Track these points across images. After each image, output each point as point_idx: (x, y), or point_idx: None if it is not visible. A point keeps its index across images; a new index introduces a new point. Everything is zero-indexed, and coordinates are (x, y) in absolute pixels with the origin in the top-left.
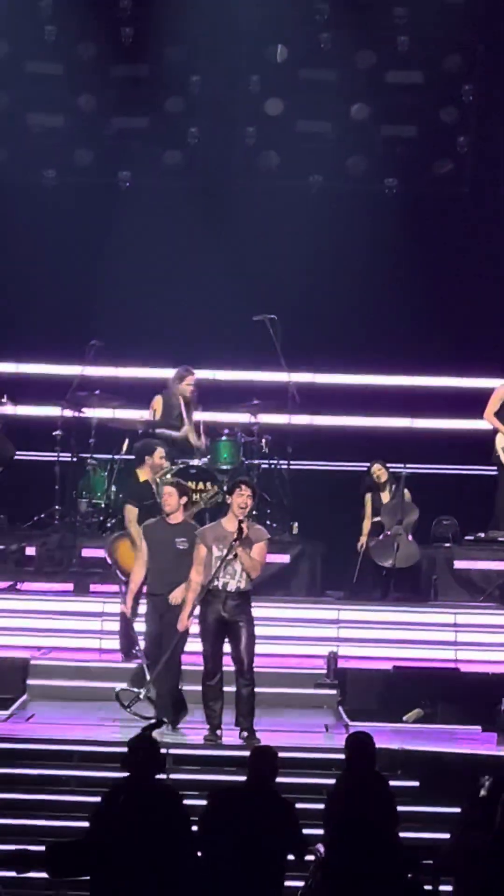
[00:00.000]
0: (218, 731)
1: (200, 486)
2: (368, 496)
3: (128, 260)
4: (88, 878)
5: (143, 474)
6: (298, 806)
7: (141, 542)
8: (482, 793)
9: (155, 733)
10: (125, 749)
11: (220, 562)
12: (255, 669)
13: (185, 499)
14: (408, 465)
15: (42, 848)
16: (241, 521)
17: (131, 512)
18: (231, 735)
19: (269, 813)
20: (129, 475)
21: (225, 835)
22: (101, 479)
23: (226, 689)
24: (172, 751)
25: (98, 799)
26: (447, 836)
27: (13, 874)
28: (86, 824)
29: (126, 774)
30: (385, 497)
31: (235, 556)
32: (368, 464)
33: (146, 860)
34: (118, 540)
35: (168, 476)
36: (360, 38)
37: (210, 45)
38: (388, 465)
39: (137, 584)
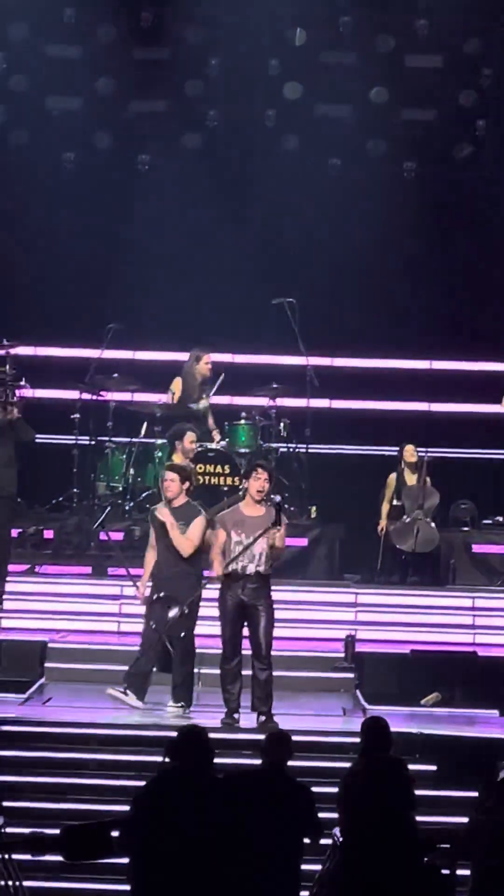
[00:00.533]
0: (235, 715)
1: (219, 469)
2: (392, 476)
3: (146, 243)
4: (131, 861)
5: (178, 459)
6: (315, 790)
7: (150, 530)
8: (500, 776)
9: (173, 717)
10: (140, 732)
11: (241, 547)
12: (273, 653)
13: (187, 483)
14: (426, 449)
15: (57, 831)
16: (278, 509)
17: None
18: (248, 719)
19: (284, 797)
20: (149, 460)
21: (240, 818)
22: (120, 462)
23: (244, 672)
24: None
25: (116, 782)
26: (464, 819)
27: (29, 857)
28: (103, 807)
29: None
30: (410, 479)
31: (255, 540)
32: (383, 447)
33: (196, 852)
34: None
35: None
36: (380, 21)
37: (229, 28)
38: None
39: (149, 568)
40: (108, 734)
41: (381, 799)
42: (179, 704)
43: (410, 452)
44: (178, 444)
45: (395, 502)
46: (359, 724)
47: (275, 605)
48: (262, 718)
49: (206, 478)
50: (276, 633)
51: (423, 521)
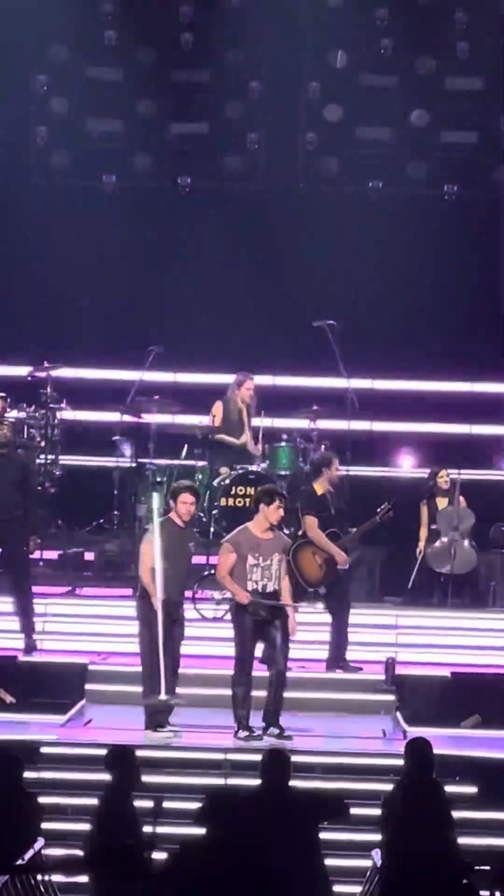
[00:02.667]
0: (255, 731)
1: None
2: (424, 502)
3: (187, 265)
4: None
5: (320, 486)
6: (355, 811)
7: (155, 540)
8: None
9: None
10: (183, 755)
11: (258, 570)
12: (314, 675)
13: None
14: (467, 471)
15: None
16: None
17: (313, 521)
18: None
19: (292, 811)
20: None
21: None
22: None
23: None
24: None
25: (150, 803)
26: None
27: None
28: (144, 829)
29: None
30: (442, 503)
31: (270, 563)
32: (424, 469)
33: None
34: (301, 548)
35: (186, 482)
36: (421, 44)
37: (270, 50)
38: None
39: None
40: (148, 755)
41: (421, 820)
42: (168, 729)
43: (443, 478)
44: (325, 471)
45: (432, 527)
46: (399, 746)
47: (316, 628)
48: (277, 731)
49: (246, 500)
50: (317, 654)
51: (460, 543)
